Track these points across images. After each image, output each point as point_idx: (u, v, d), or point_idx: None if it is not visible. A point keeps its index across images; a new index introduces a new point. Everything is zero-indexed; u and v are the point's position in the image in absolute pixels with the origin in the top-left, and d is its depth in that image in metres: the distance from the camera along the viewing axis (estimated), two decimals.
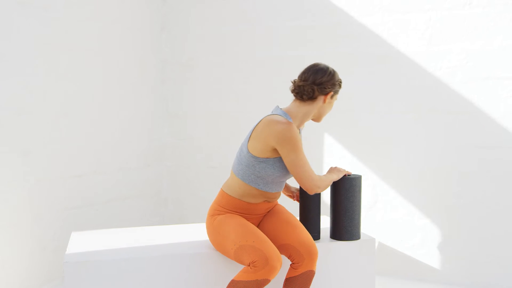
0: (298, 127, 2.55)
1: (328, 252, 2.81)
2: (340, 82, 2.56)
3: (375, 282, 2.91)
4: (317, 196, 2.81)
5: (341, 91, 3.09)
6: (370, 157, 3.74)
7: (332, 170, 2.75)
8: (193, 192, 4.35)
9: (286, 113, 2.49)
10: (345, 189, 2.79)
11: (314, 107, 2.51)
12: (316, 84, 2.48)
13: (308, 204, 2.80)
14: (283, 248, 2.52)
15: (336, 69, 3.78)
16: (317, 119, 2.59)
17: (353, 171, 3.78)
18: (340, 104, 3.81)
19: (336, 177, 2.70)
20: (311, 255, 2.47)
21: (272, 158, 2.44)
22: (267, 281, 2.31)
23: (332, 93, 2.51)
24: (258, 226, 2.65)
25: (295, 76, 3.95)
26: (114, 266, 2.51)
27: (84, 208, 3.72)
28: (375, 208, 3.73)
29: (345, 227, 2.82)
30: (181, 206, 4.42)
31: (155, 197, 4.38)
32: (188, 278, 2.60)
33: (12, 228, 3.21)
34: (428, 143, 3.57)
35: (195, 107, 4.36)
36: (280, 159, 2.45)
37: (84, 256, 2.55)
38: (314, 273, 2.52)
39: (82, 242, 2.80)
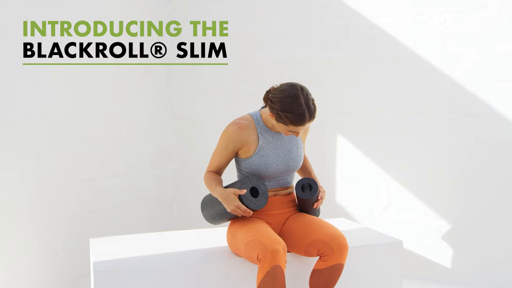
0: (274, 128, 2.51)
1: (352, 254, 2.76)
2: (284, 115, 2.32)
3: (402, 286, 2.90)
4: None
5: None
6: (384, 158, 3.73)
7: (226, 193, 2.42)
8: (199, 196, 4.23)
9: (259, 112, 2.55)
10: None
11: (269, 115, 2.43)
12: (268, 93, 2.43)
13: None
14: (311, 246, 2.44)
15: (349, 71, 3.79)
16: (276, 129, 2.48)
17: (367, 172, 3.76)
18: (353, 106, 3.80)
19: (220, 198, 2.44)
20: (341, 248, 2.40)
21: (237, 158, 2.58)
22: (278, 268, 2.27)
23: (271, 114, 2.39)
24: (282, 230, 2.61)
25: (305, 78, 3.93)
26: (145, 274, 2.44)
27: (93, 213, 3.64)
28: (389, 209, 3.72)
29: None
30: (187, 210, 4.34)
31: (160, 200, 4.30)
32: (221, 285, 2.54)
33: (24, 234, 3.14)
34: (443, 145, 3.57)
35: (200, 108, 4.28)
36: (241, 158, 2.55)
37: (113, 265, 2.47)
38: (343, 267, 2.45)
39: (104, 250, 2.72)
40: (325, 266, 2.43)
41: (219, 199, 2.45)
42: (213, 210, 2.56)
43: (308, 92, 2.39)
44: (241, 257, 2.55)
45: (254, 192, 2.47)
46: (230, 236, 2.60)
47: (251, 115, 2.57)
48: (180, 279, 2.49)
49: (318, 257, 2.49)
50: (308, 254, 2.50)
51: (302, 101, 2.32)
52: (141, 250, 2.70)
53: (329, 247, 2.40)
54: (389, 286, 2.86)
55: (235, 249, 2.57)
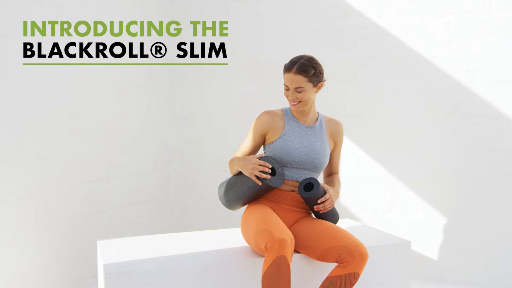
0: (301, 117, 2.70)
1: None
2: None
3: (410, 287, 2.89)
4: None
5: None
6: (388, 159, 3.74)
7: (244, 157, 2.59)
8: (201, 197, 4.24)
9: (289, 107, 2.75)
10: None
11: None
12: None
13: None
14: (332, 250, 2.41)
15: (353, 72, 3.79)
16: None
17: (371, 173, 3.75)
18: (357, 106, 3.80)
19: (239, 165, 2.57)
20: (363, 256, 2.39)
21: (263, 146, 2.73)
22: (283, 258, 2.28)
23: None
24: (294, 228, 2.60)
25: None
26: (156, 276, 2.42)
27: (96, 215, 3.62)
28: (393, 210, 3.72)
29: None
30: (189, 211, 4.31)
31: (162, 202, 4.28)
32: (233, 286, 2.52)
33: (28, 236, 3.12)
34: (447, 145, 3.59)
35: (203, 109, 4.26)
36: (266, 145, 2.71)
37: (123, 267, 2.43)
38: (359, 278, 2.43)
39: (113, 252, 2.68)
40: (343, 273, 2.39)
41: (238, 166, 2.56)
42: (231, 192, 2.63)
43: (316, 59, 2.63)
44: (250, 246, 2.60)
45: (271, 173, 2.56)
46: (244, 222, 2.63)
47: (282, 108, 2.77)
48: (190, 281, 2.46)
49: (332, 263, 2.47)
50: (322, 258, 2.47)
51: (302, 56, 2.61)
52: (150, 251, 2.68)
53: (351, 254, 2.38)
54: (397, 287, 2.85)
55: (246, 236, 2.60)
